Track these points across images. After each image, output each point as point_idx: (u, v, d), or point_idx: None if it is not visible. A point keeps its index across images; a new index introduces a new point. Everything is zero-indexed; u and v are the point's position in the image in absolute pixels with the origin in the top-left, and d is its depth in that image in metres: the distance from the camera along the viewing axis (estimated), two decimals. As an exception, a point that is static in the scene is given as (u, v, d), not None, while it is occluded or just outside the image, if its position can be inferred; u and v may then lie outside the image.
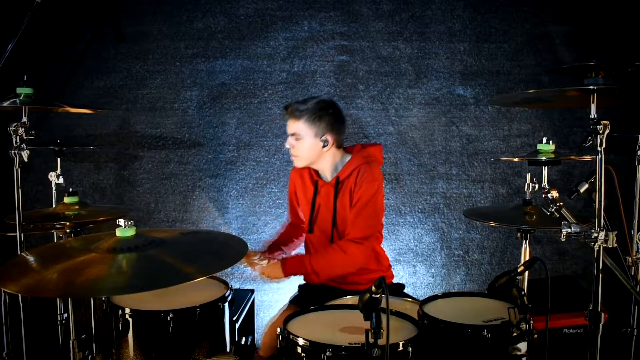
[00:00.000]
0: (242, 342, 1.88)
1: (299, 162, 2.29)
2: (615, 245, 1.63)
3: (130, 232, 1.49)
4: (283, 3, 3.20)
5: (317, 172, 2.36)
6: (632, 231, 2.17)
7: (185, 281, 1.33)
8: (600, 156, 1.60)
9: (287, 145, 2.28)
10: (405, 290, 2.42)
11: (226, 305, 1.80)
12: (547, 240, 3.24)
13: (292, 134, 2.24)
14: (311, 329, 1.65)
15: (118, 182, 3.30)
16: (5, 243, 2.33)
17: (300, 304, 2.23)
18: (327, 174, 2.34)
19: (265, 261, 2.25)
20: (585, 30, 3.10)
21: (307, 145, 2.24)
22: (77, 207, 2.26)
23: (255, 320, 2.96)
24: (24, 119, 1.92)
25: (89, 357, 2.02)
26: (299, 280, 2.43)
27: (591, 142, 1.60)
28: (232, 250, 1.58)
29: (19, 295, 2.11)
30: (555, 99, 1.98)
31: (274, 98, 3.24)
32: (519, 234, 2.20)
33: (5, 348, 2.35)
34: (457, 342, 1.62)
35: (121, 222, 1.49)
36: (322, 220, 2.33)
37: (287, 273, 2.20)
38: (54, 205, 2.35)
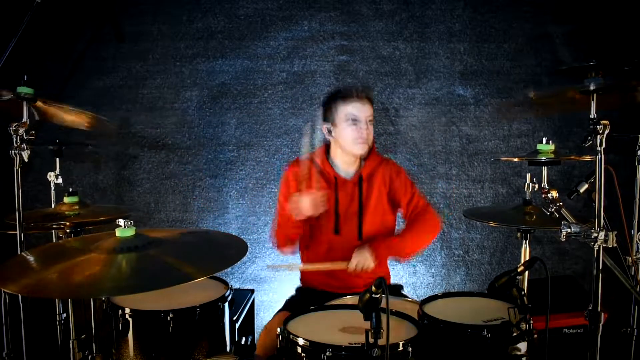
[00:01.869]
0: (242, 342, 1.87)
1: (364, 149, 2.20)
2: (615, 245, 1.63)
3: (130, 232, 1.49)
4: (283, 3, 3.20)
5: (333, 167, 2.27)
6: (632, 231, 2.16)
7: (185, 281, 1.33)
8: (600, 156, 1.60)
9: (358, 131, 2.16)
10: (406, 290, 2.41)
11: (226, 305, 1.80)
12: (547, 240, 3.24)
13: (368, 118, 2.18)
14: (311, 329, 1.64)
15: (118, 182, 3.30)
16: (5, 243, 2.33)
17: (295, 307, 2.20)
18: (352, 169, 2.27)
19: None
20: (585, 30, 3.10)
21: (372, 131, 2.22)
22: (77, 207, 2.26)
23: (255, 320, 2.95)
24: (25, 119, 1.92)
25: (89, 357, 2.02)
26: (298, 279, 2.44)
27: (591, 142, 1.60)
28: (232, 250, 1.58)
29: (19, 295, 2.11)
30: (556, 102, 1.97)
31: (274, 98, 3.24)
32: (519, 234, 2.20)
33: (5, 348, 2.35)
34: (457, 342, 1.62)
35: (121, 222, 1.49)
36: (347, 219, 2.24)
37: (379, 259, 2.14)
38: (53, 206, 2.35)
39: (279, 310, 2.25)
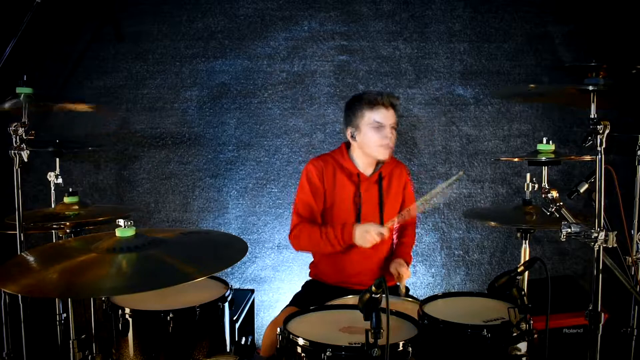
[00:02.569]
0: (242, 342, 1.87)
1: (388, 154, 2.28)
2: (615, 245, 1.63)
3: (130, 232, 1.49)
4: (283, 3, 3.20)
5: (355, 165, 2.35)
6: (632, 231, 2.17)
7: (186, 281, 1.33)
8: (600, 156, 1.60)
9: (383, 137, 2.23)
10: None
11: (226, 305, 1.80)
12: (547, 240, 3.24)
13: (392, 125, 2.26)
14: (311, 329, 1.64)
15: (118, 182, 3.30)
16: (5, 242, 2.33)
17: (304, 302, 2.23)
18: (369, 168, 2.35)
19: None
20: (585, 30, 3.10)
21: (395, 136, 2.29)
22: (77, 207, 2.26)
23: (255, 320, 2.95)
24: (24, 119, 1.92)
25: (89, 357, 2.02)
26: (299, 279, 2.44)
27: (591, 142, 1.60)
28: (232, 250, 1.58)
29: (19, 295, 2.11)
30: (556, 96, 1.98)
31: (274, 98, 3.24)
32: (519, 234, 2.20)
33: (5, 348, 2.35)
34: (457, 342, 1.62)
35: (121, 222, 1.49)
36: (367, 216, 2.31)
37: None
38: (52, 205, 2.35)
39: (287, 306, 2.28)
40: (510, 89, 2.53)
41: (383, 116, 2.23)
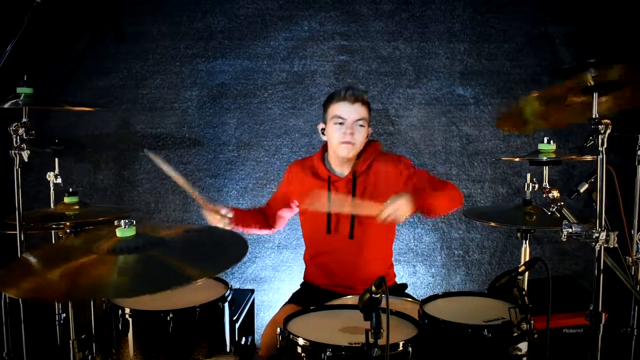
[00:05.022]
0: (242, 342, 1.87)
1: (352, 152, 2.16)
2: (616, 245, 1.63)
3: (130, 232, 1.48)
4: (283, 3, 3.20)
5: (326, 166, 2.27)
6: (632, 231, 2.17)
7: (188, 283, 1.33)
8: (601, 156, 1.60)
9: (342, 133, 2.13)
10: (406, 290, 2.41)
11: (226, 305, 1.80)
12: (547, 240, 3.24)
13: (359, 120, 2.13)
14: (311, 329, 1.64)
15: (118, 182, 3.30)
16: (5, 243, 2.33)
17: (301, 300, 2.23)
18: (345, 168, 2.24)
19: (230, 214, 2.15)
20: (585, 30, 3.10)
21: (365, 134, 2.19)
22: (77, 207, 2.26)
23: (255, 320, 2.95)
24: (25, 119, 1.92)
25: (89, 357, 2.02)
26: (299, 279, 2.44)
27: (592, 141, 1.60)
28: (233, 249, 1.57)
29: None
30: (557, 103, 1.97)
31: (274, 98, 3.24)
32: (519, 234, 2.20)
33: (5, 348, 2.35)
34: (458, 342, 1.62)
35: (121, 222, 1.49)
36: (340, 218, 2.22)
37: (414, 209, 1.99)
38: (52, 206, 2.35)
39: (286, 303, 2.27)
40: (510, 105, 2.52)
41: (345, 110, 2.13)
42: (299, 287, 2.44)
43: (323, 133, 2.25)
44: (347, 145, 2.14)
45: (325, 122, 2.23)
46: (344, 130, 2.14)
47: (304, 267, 2.41)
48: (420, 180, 2.22)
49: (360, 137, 2.17)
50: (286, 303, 2.29)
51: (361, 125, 2.15)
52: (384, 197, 2.03)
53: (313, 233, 2.33)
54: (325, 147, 2.33)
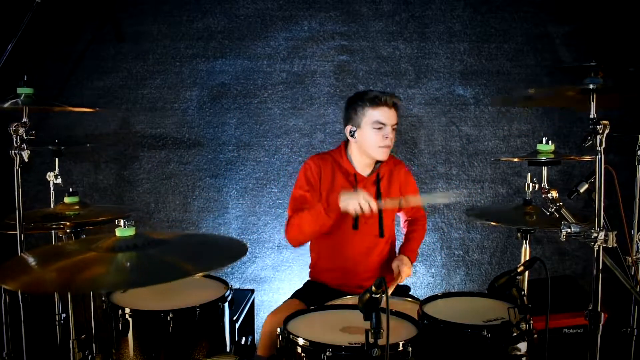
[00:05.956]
0: (242, 342, 1.88)
1: (386, 154, 2.27)
2: (615, 245, 1.63)
3: (130, 231, 1.49)
4: (283, 3, 3.20)
5: (352, 165, 2.32)
6: (632, 231, 2.17)
7: (185, 276, 1.32)
8: (600, 156, 1.60)
9: (382, 137, 2.21)
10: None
11: (226, 305, 1.80)
12: (547, 240, 3.24)
13: (394, 125, 2.24)
14: (311, 329, 1.65)
15: (118, 182, 3.30)
16: (5, 243, 2.33)
17: (305, 297, 2.24)
18: (367, 168, 2.33)
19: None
20: (585, 30, 3.10)
21: (394, 137, 2.28)
22: (77, 207, 2.26)
23: (255, 320, 2.96)
24: (25, 119, 1.92)
25: (89, 357, 2.02)
26: (299, 279, 2.44)
27: (591, 142, 1.60)
28: (232, 249, 1.57)
29: (19, 295, 2.11)
30: (556, 98, 1.98)
31: (274, 98, 3.24)
32: (519, 234, 2.20)
33: (5, 348, 2.35)
34: (457, 342, 1.62)
35: (121, 222, 1.49)
36: (365, 218, 2.25)
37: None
38: (52, 206, 2.35)
39: (289, 298, 2.29)
40: (508, 99, 2.53)
41: (385, 116, 2.21)
42: (302, 285, 2.43)
43: (352, 135, 2.27)
44: (387, 149, 2.25)
45: (356, 125, 2.25)
46: (383, 135, 2.21)
47: (304, 267, 2.42)
48: (412, 191, 2.47)
49: (394, 139, 2.28)
50: (290, 298, 2.30)
51: (394, 129, 2.26)
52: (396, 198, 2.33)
53: (338, 229, 2.27)
54: (345, 145, 2.36)
